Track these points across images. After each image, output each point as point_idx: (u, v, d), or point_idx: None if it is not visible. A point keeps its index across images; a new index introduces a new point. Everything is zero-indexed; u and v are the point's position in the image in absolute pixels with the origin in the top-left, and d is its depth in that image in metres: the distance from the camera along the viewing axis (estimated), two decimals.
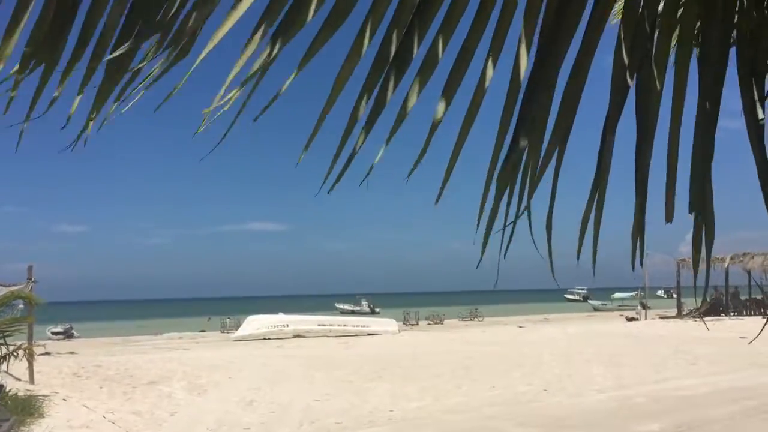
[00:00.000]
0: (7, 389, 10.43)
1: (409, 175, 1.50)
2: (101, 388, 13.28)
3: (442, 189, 1.54)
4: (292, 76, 1.32)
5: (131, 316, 67.80)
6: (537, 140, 1.55)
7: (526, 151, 1.55)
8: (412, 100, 1.45)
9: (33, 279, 12.67)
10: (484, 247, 1.58)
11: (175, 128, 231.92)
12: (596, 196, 1.62)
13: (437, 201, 1.53)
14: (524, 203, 1.59)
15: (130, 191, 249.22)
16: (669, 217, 1.62)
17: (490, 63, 1.49)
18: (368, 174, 1.45)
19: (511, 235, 1.59)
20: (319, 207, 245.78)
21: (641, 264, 1.65)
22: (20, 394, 10.80)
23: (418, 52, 1.43)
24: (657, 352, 18.19)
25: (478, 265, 1.58)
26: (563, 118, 1.57)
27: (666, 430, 8.95)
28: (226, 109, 1.26)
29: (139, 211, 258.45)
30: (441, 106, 1.47)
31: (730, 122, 1.81)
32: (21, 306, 11.78)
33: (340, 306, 67.79)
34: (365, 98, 1.42)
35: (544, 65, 1.51)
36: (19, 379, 12.19)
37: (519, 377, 13.97)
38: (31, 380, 12.70)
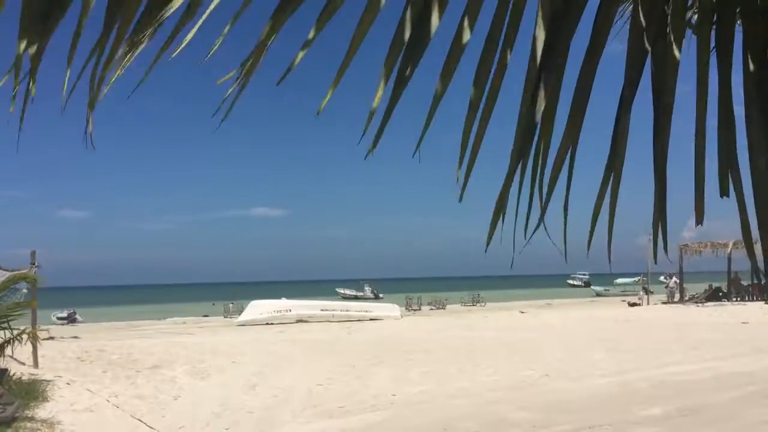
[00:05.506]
0: (11, 373, 10.49)
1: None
2: (105, 372, 13.34)
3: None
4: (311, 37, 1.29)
5: (134, 301, 68.13)
6: (549, 118, 1.48)
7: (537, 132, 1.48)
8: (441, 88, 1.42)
9: (36, 264, 12.69)
10: (493, 227, 1.52)
11: (178, 114, 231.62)
12: (610, 181, 1.51)
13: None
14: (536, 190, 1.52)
15: (133, 177, 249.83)
16: (699, 220, 1.50)
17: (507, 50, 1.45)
18: (427, 125, 1.42)
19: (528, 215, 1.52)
20: (322, 193, 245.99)
21: (665, 252, 1.53)
22: (24, 378, 10.86)
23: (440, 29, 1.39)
24: (659, 338, 18.22)
25: (486, 249, 1.51)
26: (578, 96, 1.50)
27: (667, 415, 8.97)
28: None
29: (142, 197, 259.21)
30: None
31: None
32: (24, 290, 11.82)
33: (341, 291, 67.37)
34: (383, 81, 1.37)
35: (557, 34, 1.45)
36: (23, 363, 12.26)
37: (521, 362, 14.01)
38: (35, 364, 12.75)
